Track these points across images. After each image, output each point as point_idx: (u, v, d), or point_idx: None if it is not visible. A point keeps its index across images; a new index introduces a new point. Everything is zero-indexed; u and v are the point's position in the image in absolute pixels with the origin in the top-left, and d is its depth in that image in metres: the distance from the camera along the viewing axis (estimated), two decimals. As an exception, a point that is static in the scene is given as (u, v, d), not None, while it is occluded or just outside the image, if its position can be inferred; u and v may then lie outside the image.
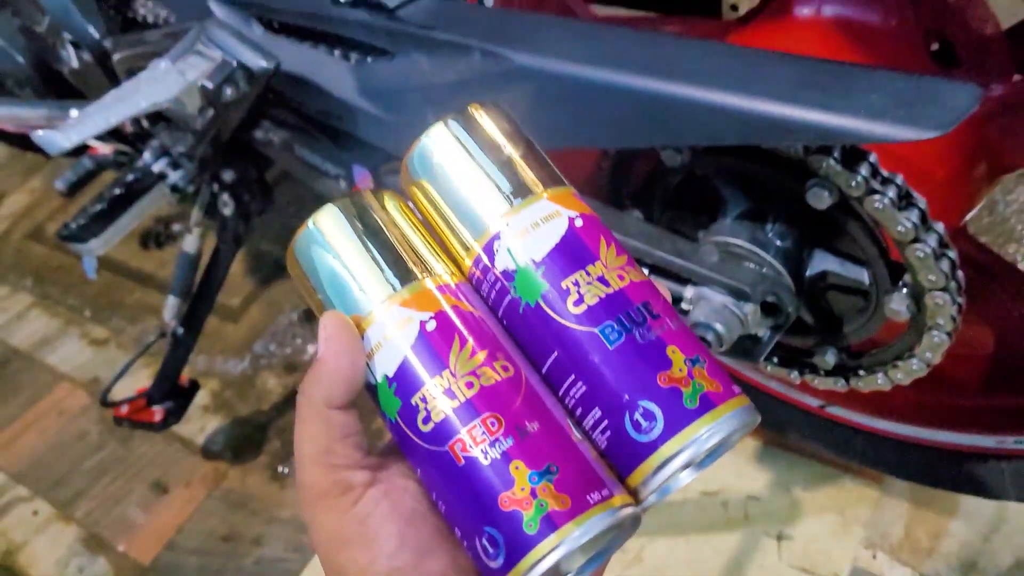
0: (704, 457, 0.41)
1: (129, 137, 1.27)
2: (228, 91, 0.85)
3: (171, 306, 1.32)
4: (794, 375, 0.91)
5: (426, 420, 0.40)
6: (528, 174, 0.44)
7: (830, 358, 0.87)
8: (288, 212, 1.87)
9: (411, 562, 0.40)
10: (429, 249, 0.44)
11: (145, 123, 1.20)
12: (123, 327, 1.78)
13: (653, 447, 0.38)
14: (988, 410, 0.97)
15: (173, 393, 1.42)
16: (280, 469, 1.47)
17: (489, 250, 0.43)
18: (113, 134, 1.28)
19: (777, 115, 0.64)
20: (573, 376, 0.40)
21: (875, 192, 0.69)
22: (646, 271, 0.43)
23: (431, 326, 0.41)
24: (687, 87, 0.67)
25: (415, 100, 0.84)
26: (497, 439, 0.38)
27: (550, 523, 0.38)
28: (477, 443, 0.39)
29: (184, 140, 1.09)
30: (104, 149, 1.30)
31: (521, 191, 0.43)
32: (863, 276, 0.79)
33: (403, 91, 0.85)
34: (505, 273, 0.42)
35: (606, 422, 0.40)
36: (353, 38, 0.89)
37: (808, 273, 0.81)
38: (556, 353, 0.41)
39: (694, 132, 0.69)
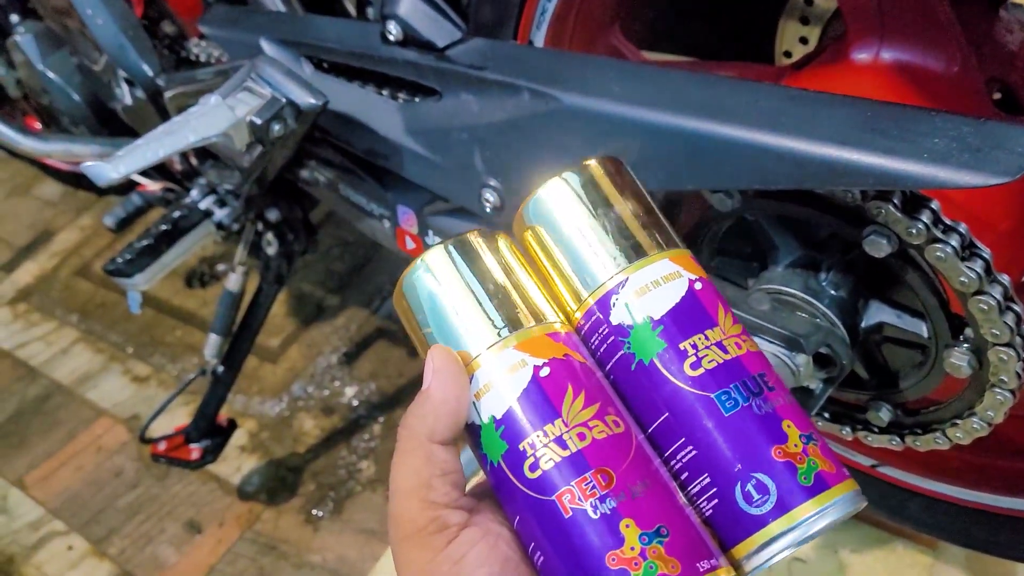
0: (812, 535, 0.39)
1: (178, 175, 1.29)
2: (276, 127, 0.85)
3: (212, 344, 1.32)
4: (846, 431, 0.88)
5: (533, 467, 0.40)
6: (649, 232, 0.44)
7: (884, 414, 0.83)
8: (331, 255, 1.88)
9: None
10: (542, 296, 0.44)
11: (194, 161, 1.21)
12: (164, 364, 1.79)
13: (763, 522, 0.38)
14: (1051, 475, 0.93)
15: (211, 431, 1.41)
16: (314, 512, 1.45)
17: (605, 303, 0.43)
18: (162, 171, 1.30)
19: (834, 158, 0.62)
20: (683, 439, 0.40)
21: (937, 240, 0.66)
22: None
23: (545, 372, 0.40)
24: (739, 128, 0.66)
25: (462, 140, 0.83)
26: (608, 495, 0.38)
27: None
28: (587, 496, 0.38)
29: (231, 178, 1.10)
30: (153, 186, 1.31)
31: (642, 249, 0.44)
32: (921, 329, 0.76)
33: (450, 131, 0.84)
34: (620, 328, 0.42)
35: (715, 490, 0.39)
36: (402, 77, 0.89)
37: (863, 324, 0.78)
38: (666, 415, 0.41)
39: (746, 175, 0.67)
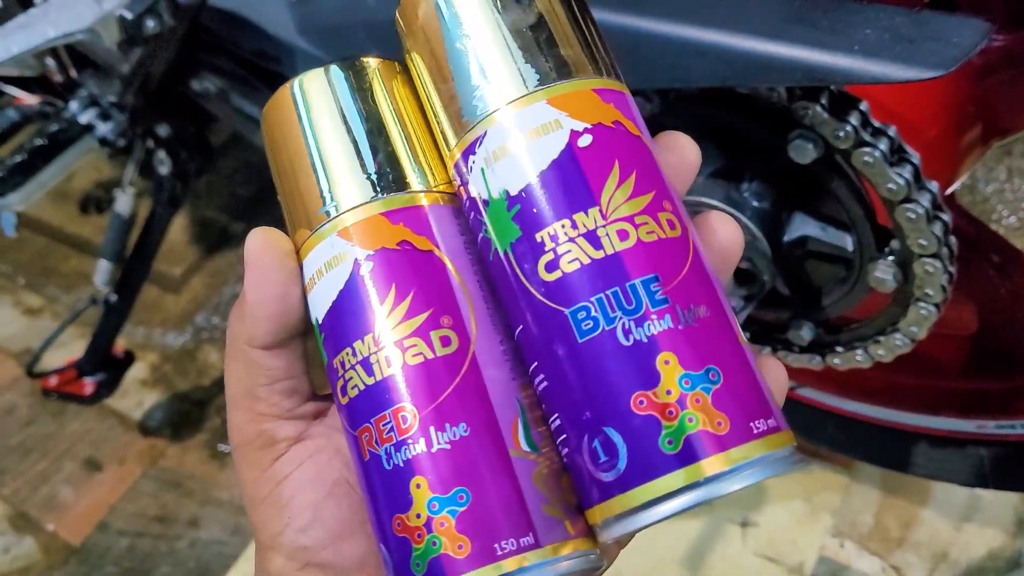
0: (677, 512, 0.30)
1: (58, 87, 1.18)
2: (151, 23, 0.76)
3: (103, 271, 1.24)
4: (766, 352, 0.85)
5: (343, 391, 0.32)
6: (530, 56, 0.31)
7: (806, 333, 0.80)
8: (235, 179, 1.78)
9: (323, 541, 0.34)
10: (408, 149, 0.34)
11: (73, 73, 1.11)
12: (58, 295, 1.68)
13: (607, 491, 0.28)
14: (968, 393, 0.92)
15: (106, 364, 1.33)
16: (220, 447, 1.39)
17: (464, 164, 0.32)
18: (40, 83, 1.19)
19: (759, 52, 0.57)
20: (537, 363, 0.30)
21: (865, 144, 0.62)
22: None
23: (366, 268, 0.32)
24: (656, 21, 0.60)
25: (359, 39, 0.76)
26: (404, 441, 0.30)
27: (440, 568, 0.29)
28: (383, 440, 0.31)
29: (112, 87, 1.01)
30: (30, 100, 1.20)
31: (511, 84, 0.31)
32: (846, 242, 0.73)
33: (346, 28, 0.77)
34: (476, 202, 0.32)
35: (564, 436, 0.30)
36: (293, -29, 0.81)
37: (786, 238, 0.75)
38: (523, 325, 0.31)
39: (664, 73, 0.61)
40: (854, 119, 0.62)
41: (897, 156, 0.64)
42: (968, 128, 0.76)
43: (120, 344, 1.37)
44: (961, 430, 0.92)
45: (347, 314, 0.32)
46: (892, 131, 0.64)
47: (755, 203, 0.73)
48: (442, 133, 0.33)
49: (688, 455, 0.27)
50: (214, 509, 1.31)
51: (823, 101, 0.63)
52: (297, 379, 0.36)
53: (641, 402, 0.28)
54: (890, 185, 0.63)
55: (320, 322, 0.33)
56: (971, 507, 1.11)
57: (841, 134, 0.63)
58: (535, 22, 0.32)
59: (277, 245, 0.34)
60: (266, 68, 0.89)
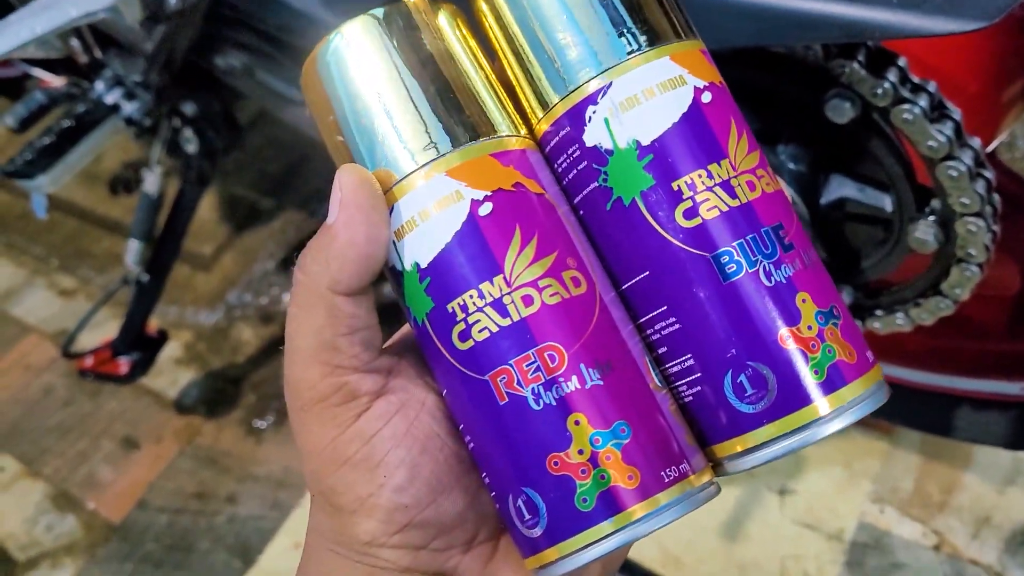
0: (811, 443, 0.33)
1: (83, 68, 1.18)
2: (172, 0, 0.75)
3: (133, 251, 1.24)
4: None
5: (464, 336, 0.31)
6: (652, 14, 0.32)
7: (845, 297, 0.79)
8: (264, 155, 1.78)
9: (423, 500, 0.32)
10: (494, 98, 0.33)
11: (98, 53, 1.11)
12: (92, 277, 1.70)
13: (756, 422, 0.30)
14: (1011, 355, 0.90)
15: (140, 344, 1.34)
16: (256, 424, 1.40)
17: (578, 115, 0.32)
18: (67, 65, 1.19)
19: (793, 9, 0.55)
20: (665, 308, 0.31)
21: (905, 101, 0.60)
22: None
23: (485, 210, 0.31)
24: (690, -21, 0.58)
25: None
26: (555, 380, 0.30)
27: (610, 502, 0.30)
28: (529, 381, 0.30)
29: (136, 66, 1.00)
30: (57, 82, 1.20)
31: (637, 39, 0.32)
32: (885, 202, 0.71)
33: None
34: (595, 152, 0.32)
35: (699, 375, 0.31)
36: (315, -58, 0.80)
37: (824, 200, 0.73)
38: (646, 274, 0.31)
39: (699, 34, 0.60)
40: (892, 75, 0.61)
41: (937, 112, 0.62)
42: (1010, 82, 0.74)
43: (153, 323, 1.38)
44: (1005, 392, 0.90)
45: (467, 256, 0.31)
46: (932, 87, 0.62)
47: (791, 165, 0.71)
48: (539, 83, 0.33)
49: (831, 384, 0.30)
50: (252, 485, 1.32)
51: (860, 58, 0.61)
52: (374, 329, 0.33)
53: (788, 337, 0.30)
54: (930, 143, 0.61)
55: (424, 267, 0.31)
56: (1015, 470, 1.09)
57: (879, 91, 0.61)
58: None
59: (372, 182, 0.32)
60: (290, 43, 0.88)
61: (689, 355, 0.31)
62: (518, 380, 0.30)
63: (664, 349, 0.32)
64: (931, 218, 0.68)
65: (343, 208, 0.31)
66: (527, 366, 0.30)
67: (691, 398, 0.32)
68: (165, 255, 1.28)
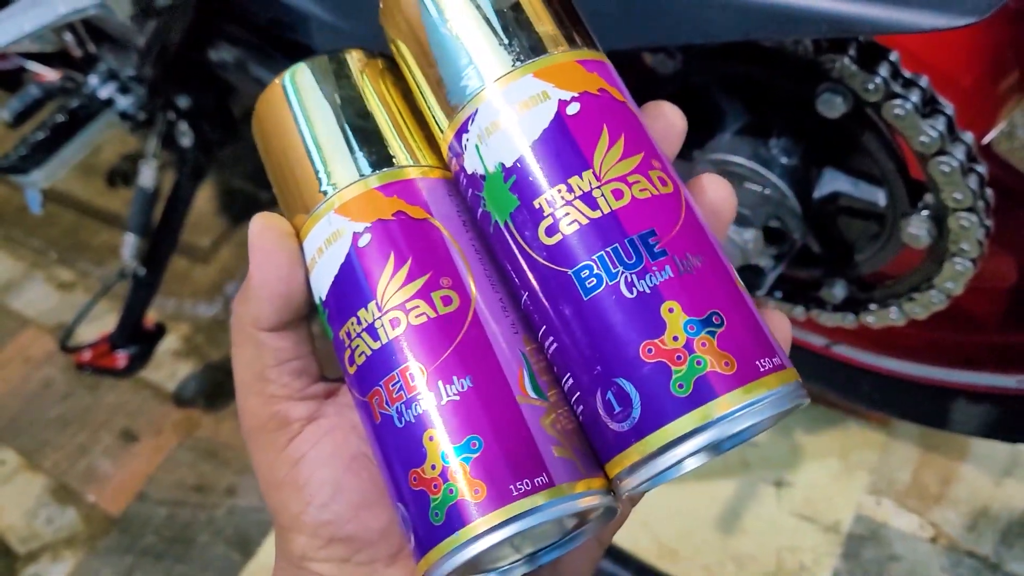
0: (717, 446, 0.31)
1: (77, 62, 1.17)
2: (162, -5, 0.75)
3: (129, 244, 1.24)
4: (799, 311, 0.83)
5: (351, 361, 0.33)
6: (512, 34, 0.32)
7: (839, 291, 0.78)
8: (262, 147, 1.77)
9: (345, 515, 0.34)
10: (397, 132, 0.35)
11: (91, 47, 1.10)
12: (90, 269, 1.70)
13: (626, 440, 0.29)
14: (1007, 347, 0.90)
15: (137, 337, 1.34)
16: (254, 416, 1.39)
17: (458, 144, 0.33)
18: (61, 58, 1.18)
19: (782, 3, 0.54)
20: (546, 326, 0.31)
21: (896, 96, 0.60)
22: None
23: (364, 241, 0.33)
24: (678, -26, 0.58)
25: (374, 5, 0.74)
26: (414, 397, 0.31)
27: (456, 516, 0.30)
28: (393, 400, 0.31)
29: (129, 60, 1.00)
30: (51, 76, 1.20)
31: (497, 61, 0.32)
32: (878, 197, 0.70)
33: (360, -7, 0.75)
34: (474, 178, 0.33)
35: (578, 393, 0.31)
36: (305, -65, 0.79)
37: (817, 195, 0.73)
38: (528, 292, 0.32)
39: (687, 29, 0.59)
40: (884, 70, 0.60)
41: (930, 107, 0.61)
42: (1005, 74, 0.73)
43: (151, 316, 1.37)
44: (1001, 385, 0.90)
45: (349, 285, 0.33)
46: (924, 81, 0.61)
47: (784, 160, 0.71)
48: (434, 117, 0.34)
49: (699, 396, 0.28)
50: (251, 477, 1.32)
51: (851, 52, 0.60)
52: (305, 359, 0.36)
53: (650, 350, 0.29)
54: (922, 138, 0.61)
55: (323, 299, 0.34)
56: (1012, 462, 1.08)
57: (871, 86, 0.60)
58: (513, 2, 0.33)
59: (278, 227, 0.35)
60: (283, 37, 0.88)
61: (568, 373, 0.31)
62: (386, 399, 0.31)
63: (555, 367, 0.32)
64: (924, 213, 0.68)
65: (253, 252, 0.34)
66: (392, 386, 0.31)
67: (581, 417, 0.31)
68: (162, 248, 1.27)
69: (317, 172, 0.35)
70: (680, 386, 0.28)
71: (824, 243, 0.77)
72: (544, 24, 0.33)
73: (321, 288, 0.34)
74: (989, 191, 0.65)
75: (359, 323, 0.32)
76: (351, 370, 0.33)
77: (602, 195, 0.30)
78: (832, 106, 0.63)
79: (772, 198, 0.70)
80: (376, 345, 0.32)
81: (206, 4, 0.85)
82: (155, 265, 1.28)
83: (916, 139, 0.61)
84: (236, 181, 1.75)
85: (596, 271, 0.30)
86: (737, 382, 0.28)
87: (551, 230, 0.30)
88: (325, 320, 0.34)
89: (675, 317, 0.29)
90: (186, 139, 1.17)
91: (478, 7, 0.33)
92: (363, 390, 0.33)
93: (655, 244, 0.30)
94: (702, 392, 0.28)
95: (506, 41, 0.32)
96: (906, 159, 0.67)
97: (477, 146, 0.32)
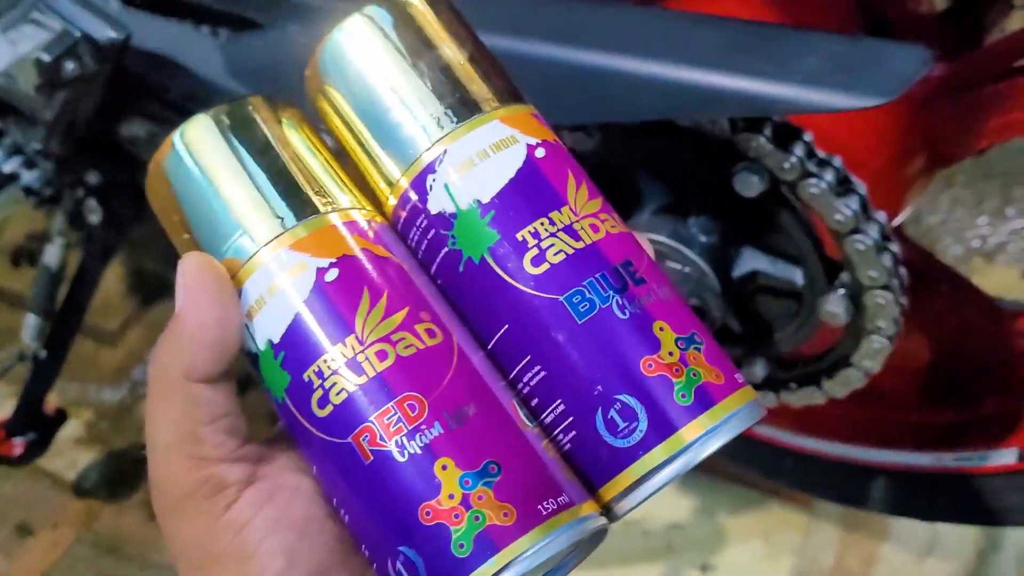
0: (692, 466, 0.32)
1: (-18, 136, 1.14)
2: (70, 66, 0.73)
3: (30, 326, 1.18)
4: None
5: (323, 402, 0.31)
6: (476, 84, 0.34)
7: (759, 370, 0.78)
8: (176, 227, 1.73)
9: None
10: (336, 178, 0.35)
11: (-3, 120, 1.07)
12: (-10, 353, 1.62)
13: (632, 455, 0.30)
14: (924, 426, 0.91)
15: (36, 423, 1.27)
16: (160, 507, 1.33)
17: (420, 185, 0.33)
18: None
19: (697, 84, 0.56)
20: (529, 357, 0.32)
21: (811, 175, 0.61)
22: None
23: (332, 275, 0.32)
24: (595, 54, 0.59)
25: (289, 78, 0.73)
26: (419, 428, 0.30)
27: (487, 543, 0.28)
28: (391, 433, 0.30)
29: (35, 134, 0.96)
30: (-47, 150, 1.15)
31: (465, 108, 0.34)
32: (796, 275, 0.71)
33: (276, 68, 0.74)
34: (441, 217, 0.33)
35: (571, 419, 0.31)
36: (221, 10, 0.79)
37: (736, 273, 0.73)
38: (507, 326, 0.32)
39: (602, 107, 0.60)
40: (799, 150, 0.61)
41: (843, 187, 0.63)
42: (912, 157, 0.76)
43: (52, 401, 1.31)
44: (919, 464, 0.91)
45: (318, 323, 0.31)
46: (837, 162, 0.63)
47: (703, 238, 0.71)
48: (378, 165, 0.35)
49: (701, 405, 0.30)
50: (154, 573, 1.25)
51: (766, 132, 0.61)
52: (237, 416, 0.33)
53: (650, 365, 0.31)
54: (837, 216, 0.62)
55: (277, 342, 0.32)
56: (931, 542, 1.09)
57: (786, 166, 0.61)
58: (470, 56, 0.35)
59: (215, 266, 0.32)
60: (197, 112, 0.86)
61: (559, 400, 0.31)
62: (380, 435, 0.30)
63: (536, 400, 0.32)
64: (841, 291, 0.69)
65: (188, 292, 0.31)
66: (388, 419, 0.30)
67: (569, 445, 0.32)
68: (65, 331, 1.22)
69: (267, 207, 0.33)
70: (683, 395, 0.31)
71: (744, 321, 0.77)
72: (503, 79, 0.35)
73: (272, 331, 0.32)
74: (903, 269, 0.66)
75: (335, 360, 0.31)
76: (323, 412, 0.31)
77: (582, 228, 0.32)
78: (749, 185, 0.64)
79: (692, 276, 0.70)
80: (361, 380, 0.30)
81: (118, 77, 0.83)
82: (57, 348, 1.23)
83: (831, 217, 0.62)
84: (147, 262, 1.70)
85: (588, 296, 0.31)
86: (723, 394, 0.31)
87: (537, 260, 0.32)
88: (278, 365, 0.32)
89: (667, 334, 0.31)
90: (95, 217, 1.13)
91: (441, 60, 0.34)
92: (344, 431, 0.30)
93: (636, 272, 0.32)
94: (703, 400, 0.31)
95: (474, 89, 0.34)
96: (822, 238, 0.68)
97: (447, 185, 0.33)
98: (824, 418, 0.93)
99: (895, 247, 0.65)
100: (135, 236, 1.56)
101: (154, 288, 1.66)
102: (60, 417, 1.31)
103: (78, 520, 1.33)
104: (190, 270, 0.32)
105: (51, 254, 1.15)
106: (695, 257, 0.70)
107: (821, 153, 0.62)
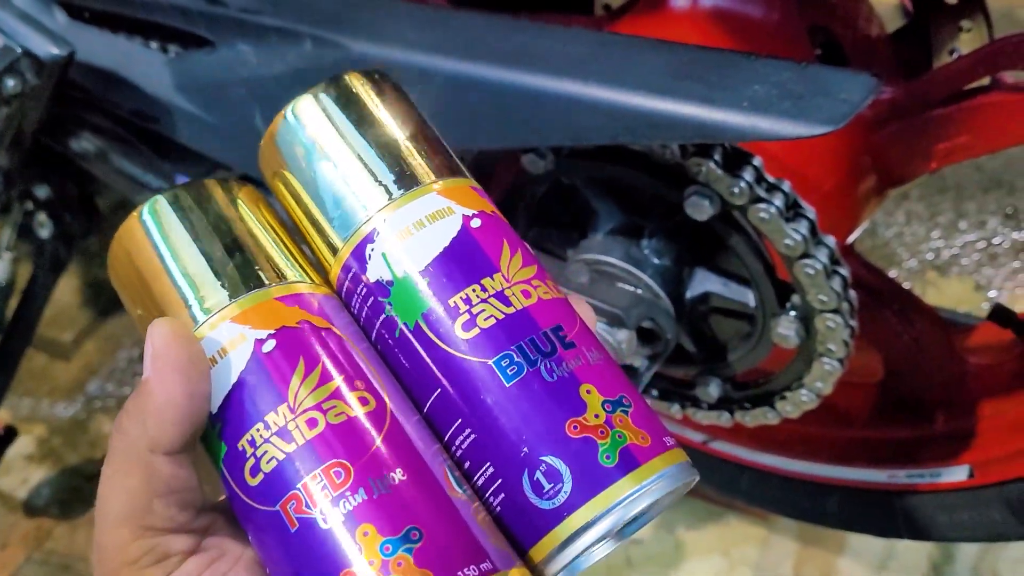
0: (625, 526, 0.32)
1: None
2: (11, 82, 0.71)
3: (-21, 342, 1.16)
4: (675, 409, 0.83)
5: (255, 471, 0.31)
6: (415, 159, 0.36)
7: (713, 390, 0.79)
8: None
9: None
10: (283, 252, 0.36)
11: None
12: (-62, 367, 1.58)
13: (558, 516, 0.31)
14: (878, 443, 0.92)
15: (-16, 441, 1.24)
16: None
17: (360, 254, 0.35)
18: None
19: (648, 110, 0.55)
20: (460, 420, 0.33)
21: (760, 200, 0.61)
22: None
23: (269, 346, 0.32)
24: (546, 78, 0.59)
25: (240, 96, 0.73)
26: (343, 495, 0.30)
27: None
28: (316, 501, 0.30)
29: (-20, 149, 0.94)
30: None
31: (404, 181, 0.35)
32: (748, 298, 0.71)
33: (226, 86, 0.74)
34: (379, 285, 0.34)
35: (500, 481, 0.32)
36: (171, 26, 0.77)
37: (689, 295, 0.73)
38: (439, 390, 0.33)
39: (556, 131, 0.60)
40: (748, 175, 0.61)
41: (793, 212, 0.63)
42: (863, 179, 0.76)
43: (2, 418, 1.28)
44: (873, 480, 0.91)
45: (253, 392, 0.32)
46: (787, 186, 0.63)
47: (656, 260, 0.71)
48: (324, 235, 0.36)
49: (625, 466, 0.31)
50: (106, 593, 1.22)
51: (716, 157, 0.61)
52: (194, 491, 0.33)
53: (575, 427, 0.31)
54: (787, 241, 0.62)
55: (214, 412, 0.32)
56: (887, 555, 1.10)
57: (736, 190, 0.61)
58: (413, 133, 0.37)
59: (186, 335, 0.32)
60: (146, 128, 0.85)
61: (488, 463, 0.32)
62: (306, 503, 0.30)
63: (468, 463, 0.32)
64: (792, 314, 0.69)
65: (156, 363, 0.31)
66: (314, 486, 0.30)
67: (500, 507, 0.32)
68: (15, 345, 1.20)
69: (213, 281, 0.34)
70: (607, 457, 0.31)
71: (698, 342, 0.78)
72: (442, 154, 0.37)
73: (212, 402, 0.32)
74: (853, 293, 0.67)
75: (267, 428, 0.31)
76: (254, 481, 0.31)
77: (513, 294, 0.33)
78: (700, 209, 0.64)
79: (645, 298, 0.70)
80: (291, 448, 0.31)
81: (64, 92, 0.81)
82: (7, 363, 1.20)
83: (781, 242, 0.63)
84: (102, 273, 1.67)
85: (517, 359, 0.32)
86: (655, 453, 0.32)
87: (468, 325, 0.32)
88: (217, 434, 0.32)
89: (594, 397, 0.32)
90: (44, 230, 1.11)
91: (382, 137, 0.36)
92: (273, 499, 0.31)
93: (565, 336, 0.33)
94: (627, 461, 0.31)
95: (413, 164, 0.36)
96: (773, 261, 0.68)
97: (384, 254, 0.34)
98: (779, 435, 0.93)
99: (845, 270, 0.65)
100: (91, 247, 1.54)
101: (110, 299, 1.63)
102: (10, 434, 1.28)
103: (28, 540, 1.30)
104: (160, 339, 0.32)
105: (-1, 269, 1.12)
106: (648, 279, 0.70)
107: (771, 178, 0.62)
